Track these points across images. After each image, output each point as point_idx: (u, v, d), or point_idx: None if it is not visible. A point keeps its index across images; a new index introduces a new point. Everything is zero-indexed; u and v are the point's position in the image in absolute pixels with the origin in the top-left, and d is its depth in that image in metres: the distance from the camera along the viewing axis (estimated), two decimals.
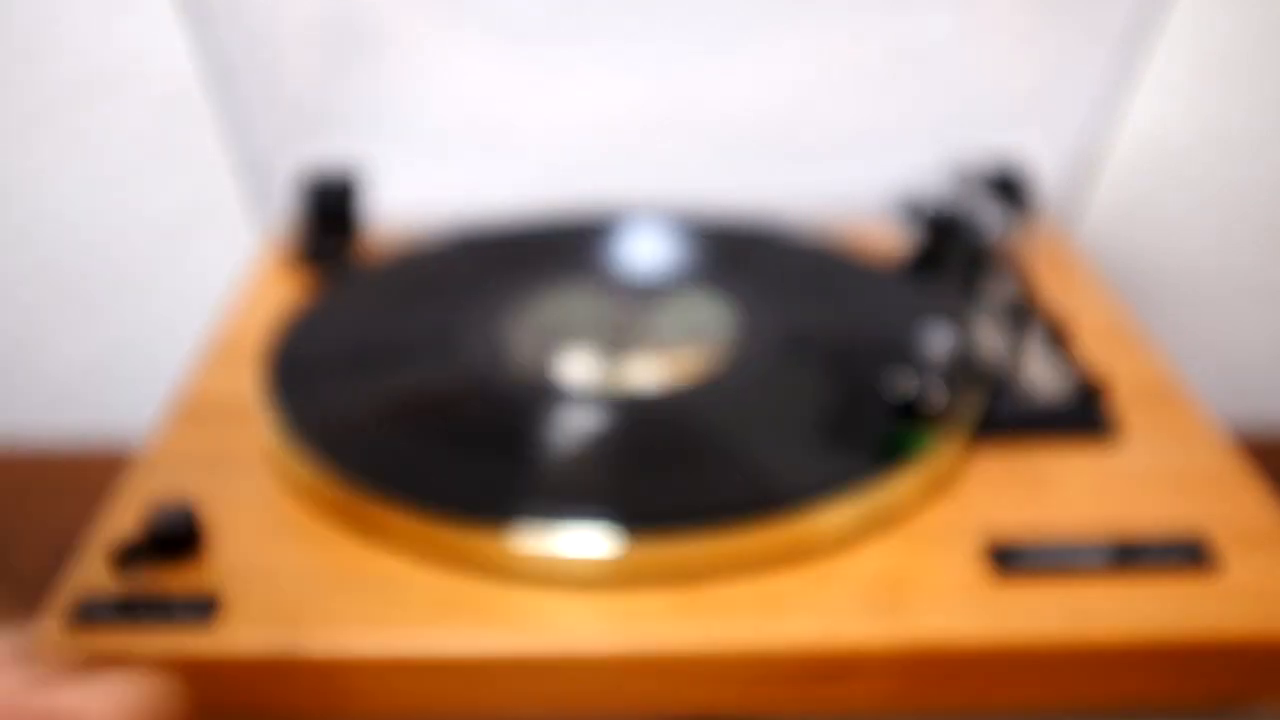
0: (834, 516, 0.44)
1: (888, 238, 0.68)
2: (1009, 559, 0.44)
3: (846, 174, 0.75)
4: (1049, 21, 0.71)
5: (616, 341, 0.56)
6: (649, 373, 0.53)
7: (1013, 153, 0.71)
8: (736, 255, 0.64)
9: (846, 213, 0.72)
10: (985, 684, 0.41)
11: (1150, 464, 0.50)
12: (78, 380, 0.83)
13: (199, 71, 0.64)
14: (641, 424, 0.50)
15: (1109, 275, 0.67)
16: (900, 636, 0.41)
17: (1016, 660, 0.41)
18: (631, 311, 0.59)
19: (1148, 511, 0.47)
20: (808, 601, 0.42)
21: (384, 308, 0.59)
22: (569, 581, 0.43)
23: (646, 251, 0.65)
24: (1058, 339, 0.57)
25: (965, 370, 0.49)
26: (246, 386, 0.54)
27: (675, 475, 0.47)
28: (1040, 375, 0.54)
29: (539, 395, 0.51)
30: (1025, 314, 0.56)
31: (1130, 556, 0.44)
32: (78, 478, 0.76)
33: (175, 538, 0.44)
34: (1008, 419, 0.51)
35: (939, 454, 0.48)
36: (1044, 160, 0.71)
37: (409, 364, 0.55)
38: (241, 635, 0.41)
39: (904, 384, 0.48)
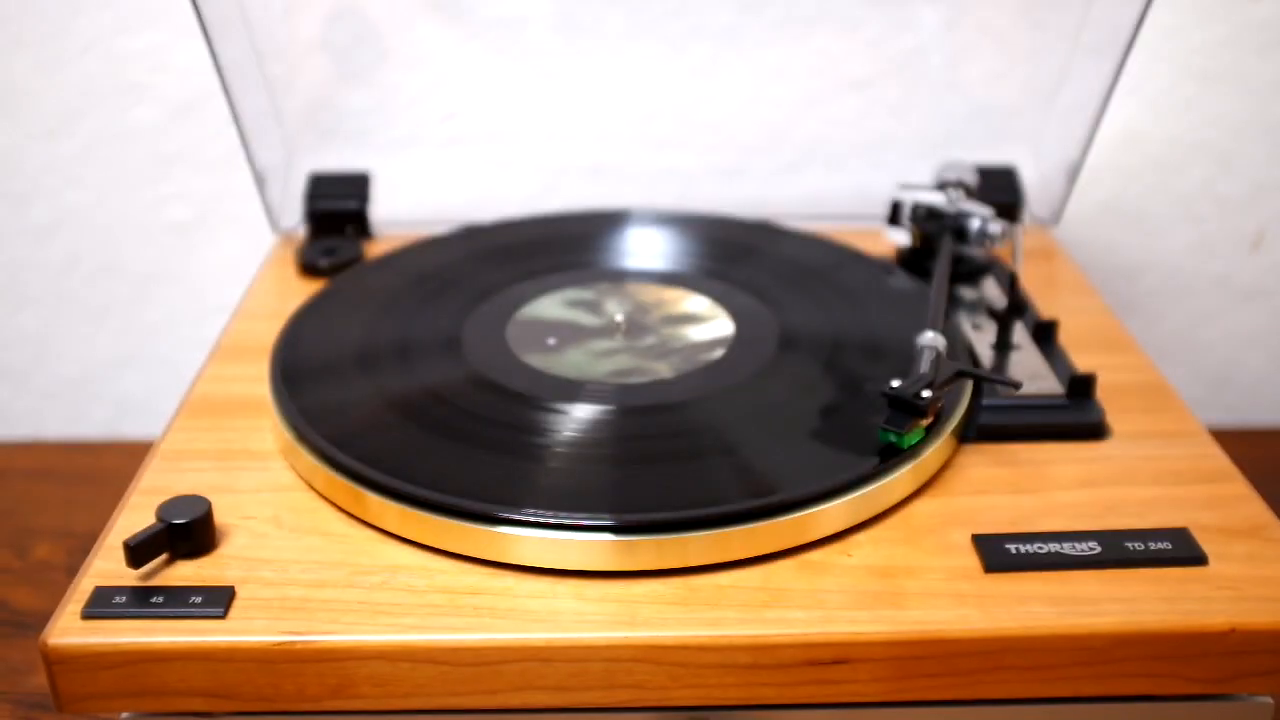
0: (829, 511, 0.45)
1: (879, 239, 0.68)
2: (999, 552, 0.45)
3: (837, 179, 0.76)
4: (1035, 30, 0.72)
5: (617, 340, 0.57)
6: (649, 371, 0.54)
7: (999, 157, 0.72)
8: (736, 255, 0.65)
9: (837, 215, 0.73)
10: (977, 674, 0.42)
11: (1137, 458, 0.50)
12: (95, 377, 0.84)
13: (214, 79, 0.65)
14: (641, 421, 0.51)
15: (1088, 276, 0.68)
16: (894, 628, 0.41)
17: (1007, 651, 0.41)
18: (632, 311, 0.60)
19: (1135, 505, 0.47)
20: (804, 594, 0.43)
21: (390, 306, 0.60)
22: (571, 574, 0.44)
23: (646, 251, 0.66)
24: (1045, 337, 0.57)
25: (955, 368, 0.50)
26: (258, 383, 0.55)
27: (674, 471, 0.47)
28: (1028, 372, 0.55)
29: (540, 393, 0.52)
30: (1013, 313, 0.57)
31: (1118, 549, 0.45)
32: (95, 472, 0.78)
33: (189, 531, 0.44)
34: (997, 416, 0.52)
35: (931, 450, 0.48)
36: (1028, 164, 0.72)
37: (414, 361, 0.55)
38: (254, 626, 0.42)
39: (896, 382, 0.49)
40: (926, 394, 0.48)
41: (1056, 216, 0.73)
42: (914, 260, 0.65)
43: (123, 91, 0.76)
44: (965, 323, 0.59)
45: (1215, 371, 0.84)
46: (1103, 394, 0.53)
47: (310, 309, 0.60)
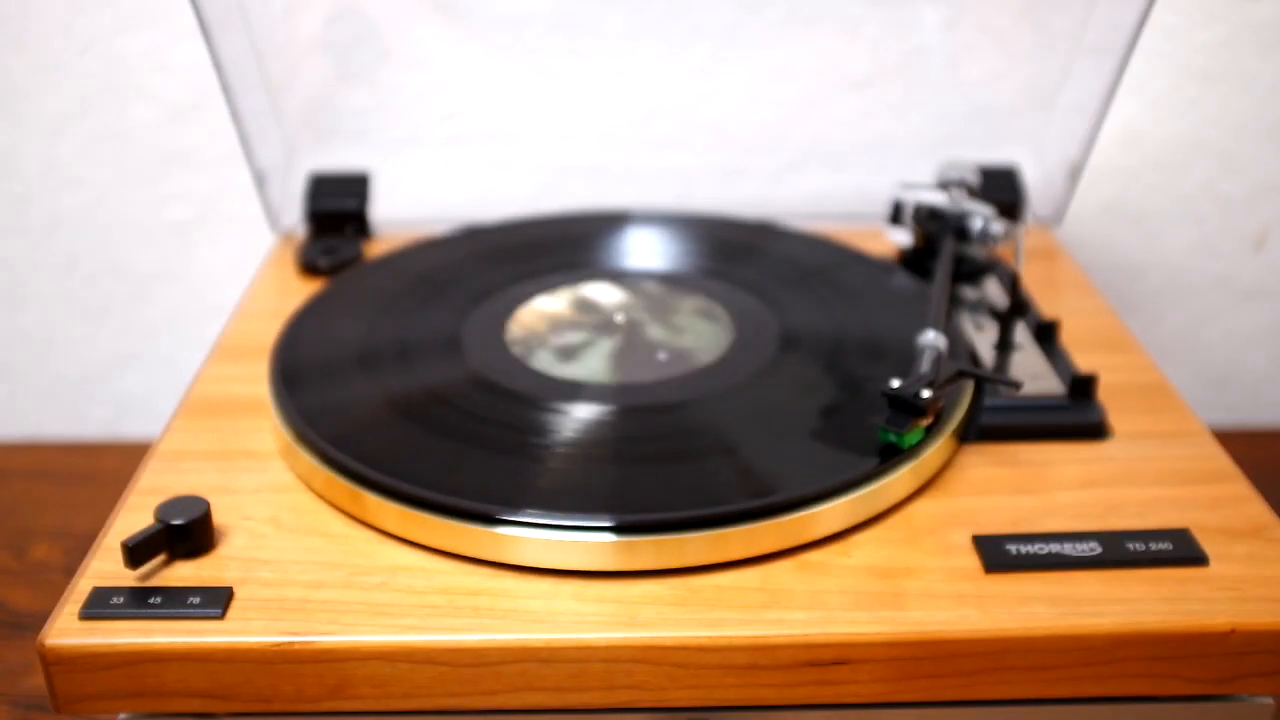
0: (829, 511, 0.45)
1: (880, 239, 0.68)
2: (1000, 552, 0.45)
3: (838, 178, 0.76)
4: (1037, 30, 0.72)
5: (617, 340, 0.57)
6: (648, 371, 0.54)
7: (1001, 157, 0.72)
8: (736, 255, 0.65)
9: (838, 215, 0.73)
10: (977, 674, 0.42)
11: (1138, 458, 0.50)
12: (95, 377, 0.84)
13: (214, 79, 0.65)
14: (641, 421, 0.51)
15: (1089, 276, 0.67)
16: (894, 629, 0.41)
17: (1008, 651, 0.41)
18: (632, 311, 0.60)
19: (1136, 505, 0.47)
20: (803, 594, 0.43)
21: (390, 306, 0.60)
22: (570, 574, 0.44)
23: (646, 251, 0.66)
24: (1046, 337, 0.57)
25: (956, 368, 0.50)
26: (257, 384, 0.55)
27: (673, 471, 0.47)
28: (1029, 372, 0.55)
29: (540, 393, 0.52)
30: (1014, 313, 0.57)
31: (1119, 549, 0.45)
32: (93, 473, 0.78)
33: (187, 531, 0.44)
34: (998, 416, 0.52)
35: (931, 450, 0.48)
36: (1030, 164, 0.72)
37: (413, 362, 0.55)
38: (252, 627, 0.42)
39: (897, 382, 0.49)
40: (927, 394, 0.48)
41: (1058, 216, 0.73)
42: (915, 260, 0.65)
43: (123, 91, 0.76)
44: (967, 322, 0.59)
45: (1217, 371, 0.84)
46: (1104, 394, 0.53)
47: (310, 309, 0.60)
